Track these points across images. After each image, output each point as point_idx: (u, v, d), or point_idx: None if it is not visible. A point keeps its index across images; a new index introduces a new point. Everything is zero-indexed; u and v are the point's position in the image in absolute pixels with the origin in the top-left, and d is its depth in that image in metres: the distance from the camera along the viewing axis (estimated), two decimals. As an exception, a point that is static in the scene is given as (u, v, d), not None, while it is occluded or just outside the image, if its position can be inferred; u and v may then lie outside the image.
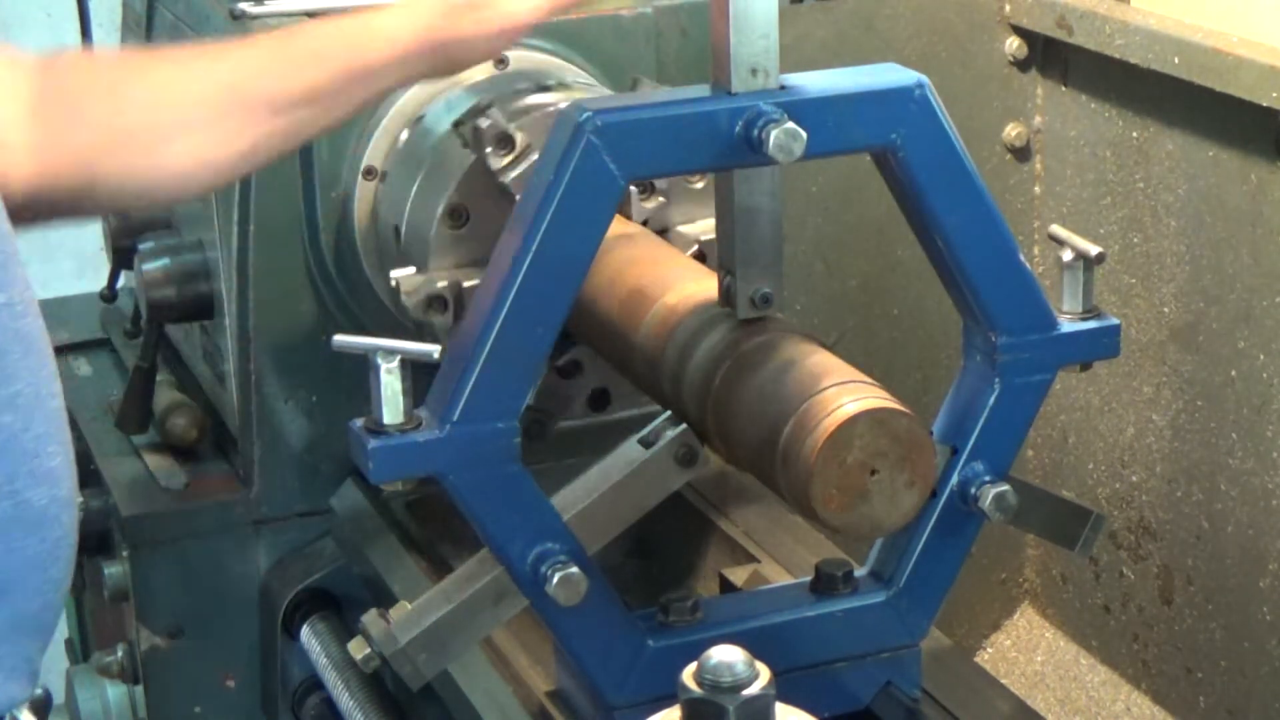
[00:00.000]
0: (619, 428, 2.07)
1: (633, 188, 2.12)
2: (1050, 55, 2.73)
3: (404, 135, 2.26)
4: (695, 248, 2.13)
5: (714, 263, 2.10)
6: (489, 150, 2.07)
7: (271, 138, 1.94)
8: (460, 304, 2.08)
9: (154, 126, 1.90)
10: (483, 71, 2.29)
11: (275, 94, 1.92)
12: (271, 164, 2.03)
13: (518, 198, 2.00)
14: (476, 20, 1.94)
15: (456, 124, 2.16)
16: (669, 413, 1.90)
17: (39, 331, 1.74)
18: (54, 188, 1.87)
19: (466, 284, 2.08)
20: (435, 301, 2.09)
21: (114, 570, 2.44)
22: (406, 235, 2.19)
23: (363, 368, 1.69)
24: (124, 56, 1.94)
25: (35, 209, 1.88)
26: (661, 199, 2.13)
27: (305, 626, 2.38)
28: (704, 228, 2.13)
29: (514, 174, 2.07)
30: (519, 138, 2.07)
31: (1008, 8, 2.72)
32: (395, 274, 2.12)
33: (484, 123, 2.08)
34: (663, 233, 2.14)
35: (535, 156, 2.03)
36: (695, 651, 1.25)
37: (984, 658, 2.93)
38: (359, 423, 1.71)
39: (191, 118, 1.91)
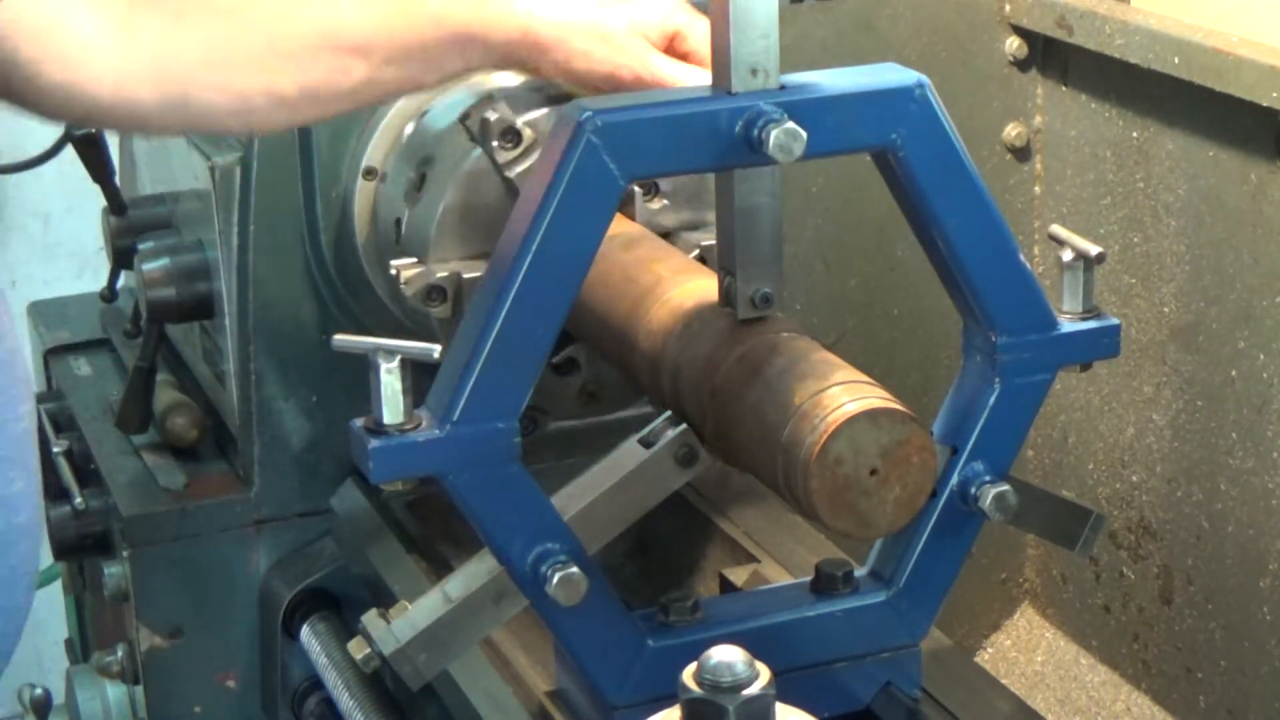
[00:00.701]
0: (619, 428, 2.07)
1: (636, 189, 2.12)
2: (1050, 55, 2.73)
3: (408, 130, 2.26)
4: (696, 251, 2.13)
5: (715, 265, 2.11)
6: (495, 144, 2.07)
7: (375, 85, 1.93)
8: (460, 295, 2.07)
9: (260, 55, 1.89)
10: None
11: (386, 46, 1.91)
12: (374, 104, 2.03)
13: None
14: (593, 50, 1.97)
15: (463, 117, 2.16)
16: (669, 413, 1.90)
17: (7, 354, 1.71)
18: (146, 98, 1.84)
19: (467, 275, 2.08)
20: (435, 292, 2.08)
21: (114, 570, 2.44)
22: (407, 229, 2.19)
23: (363, 368, 1.69)
24: None
25: (125, 118, 1.86)
26: (665, 201, 2.13)
27: (305, 626, 2.38)
28: (706, 235, 2.13)
29: (520, 168, 2.07)
30: (526, 132, 2.07)
31: (1008, 8, 2.72)
32: (395, 263, 2.12)
33: (491, 115, 2.08)
34: (665, 237, 2.14)
35: (540, 152, 2.03)
36: (695, 651, 1.25)
37: (984, 658, 2.93)
38: (359, 423, 1.71)
39: (301, 49, 1.90)
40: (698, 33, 2.02)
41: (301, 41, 1.90)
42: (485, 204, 2.11)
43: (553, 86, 2.12)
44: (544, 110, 2.10)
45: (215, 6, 1.89)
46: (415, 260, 2.11)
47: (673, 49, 2.02)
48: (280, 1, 1.93)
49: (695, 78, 1.97)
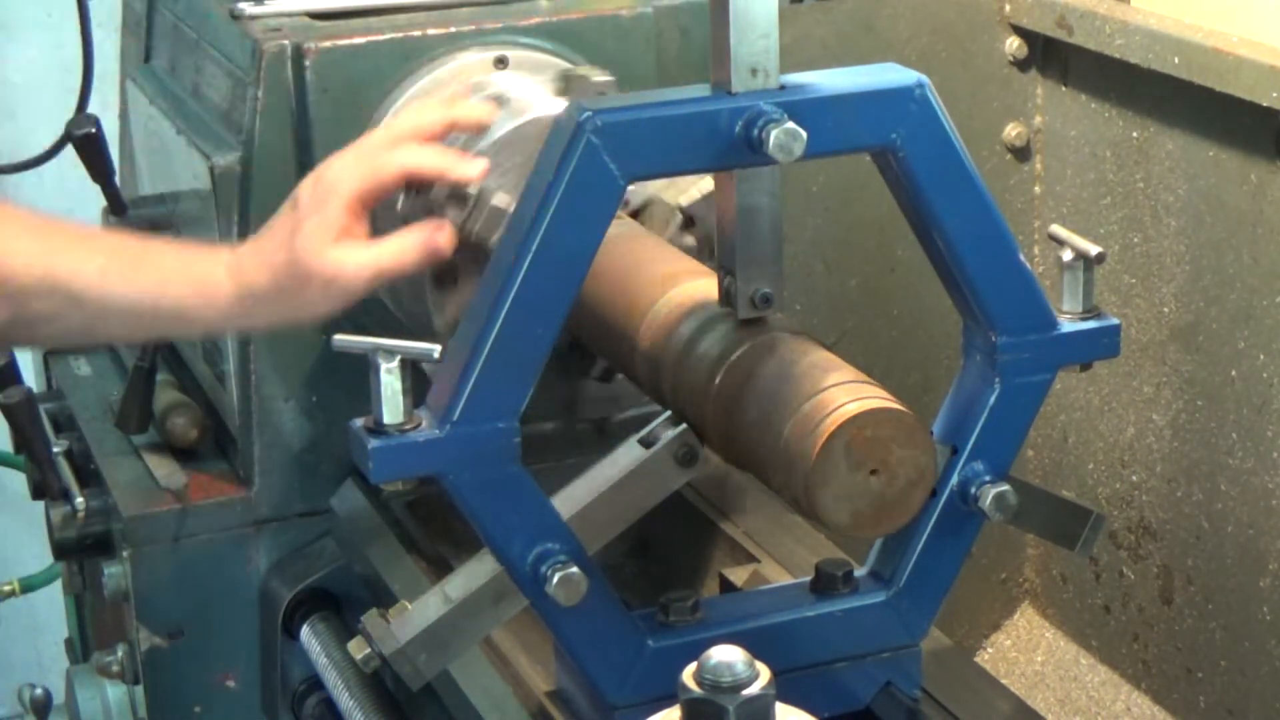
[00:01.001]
0: (619, 428, 2.08)
1: None
2: (1050, 55, 2.73)
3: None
4: (679, 216, 2.12)
5: (702, 227, 2.11)
6: (446, 211, 2.04)
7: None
8: (479, 207, 2.04)
9: None
10: (482, 69, 2.29)
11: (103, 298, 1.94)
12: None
13: (491, 241, 1.99)
14: (312, 303, 1.94)
15: (408, 187, 2.15)
16: (669, 413, 1.90)
17: None
18: None
19: (492, 200, 2.04)
20: (457, 196, 2.07)
21: (114, 570, 2.44)
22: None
23: (363, 368, 1.69)
24: None
25: None
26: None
27: (305, 626, 2.38)
28: (682, 189, 2.12)
29: (476, 226, 2.04)
30: (469, 194, 2.04)
31: (1008, 8, 2.72)
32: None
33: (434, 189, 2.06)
34: (645, 205, 2.13)
35: (491, 203, 2.01)
36: (695, 651, 1.25)
37: (984, 658, 2.93)
38: (359, 423, 1.71)
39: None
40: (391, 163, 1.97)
41: (22, 276, 1.93)
42: (466, 267, 2.10)
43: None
44: (485, 151, 2.08)
45: None
46: None
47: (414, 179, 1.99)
48: (8, 233, 1.95)
49: (411, 245, 1.93)
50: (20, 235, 1.96)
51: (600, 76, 2.18)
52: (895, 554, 1.86)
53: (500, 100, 2.16)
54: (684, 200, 2.12)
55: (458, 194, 2.02)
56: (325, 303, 1.93)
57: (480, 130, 2.05)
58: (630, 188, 2.11)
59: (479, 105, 2.06)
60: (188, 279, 1.95)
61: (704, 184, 2.10)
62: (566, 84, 2.17)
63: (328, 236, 1.90)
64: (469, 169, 1.95)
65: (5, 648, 4.29)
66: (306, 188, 1.94)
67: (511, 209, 1.87)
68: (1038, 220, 2.78)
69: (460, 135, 2.07)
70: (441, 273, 2.11)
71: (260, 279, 1.93)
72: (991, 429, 1.82)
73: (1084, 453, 2.78)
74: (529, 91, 2.19)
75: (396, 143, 1.96)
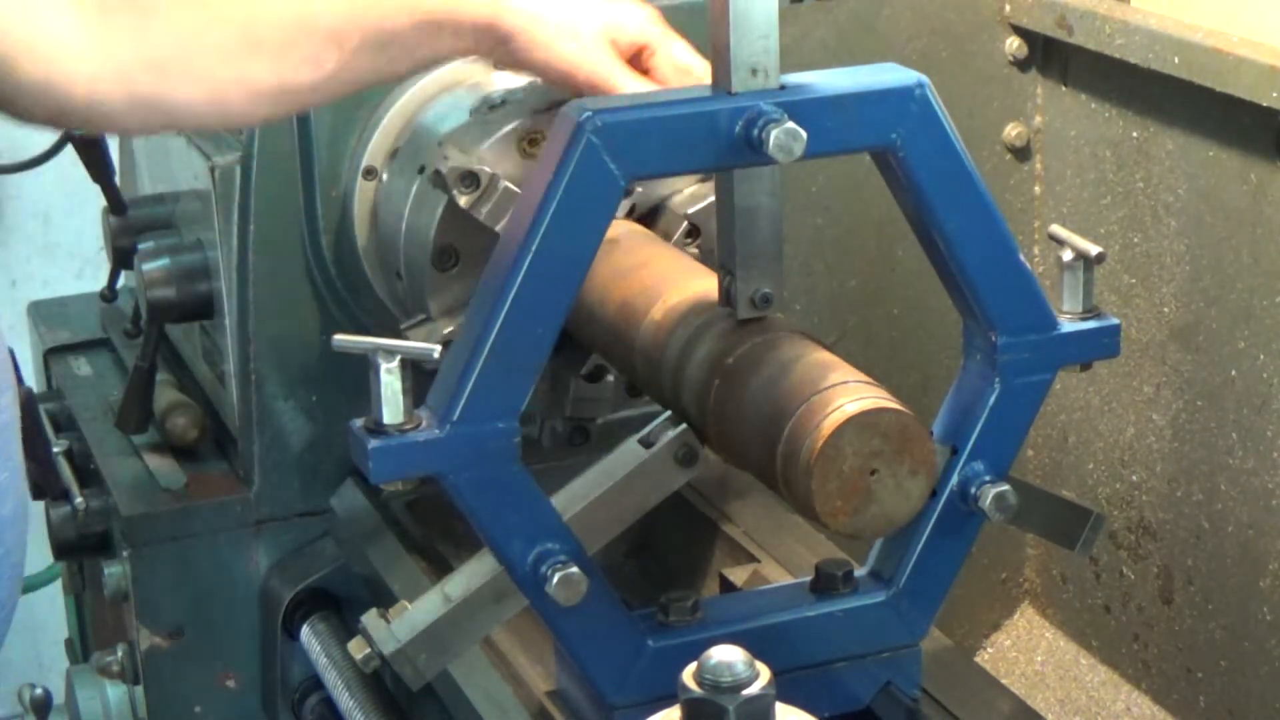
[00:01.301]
0: (619, 428, 2.07)
1: None
2: (1050, 55, 2.73)
3: (408, 131, 2.26)
4: (685, 224, 2.12)
5: (708, 236, 2.11)
6: (455, 191, 2.05)
7: (344, 74, 1.92)
8: (490, 190, 2.05)
9: (233, 47, 1.87)
10: (483, 69, 2.29)
11: (359, 33, 1.90)
12: (347, 96, 2.02)
13: (496, 229, 2.00)
14: (560, 45, 1.96)
15: (420, 169, 2.16)
16: (669, 413, 1.90)
17: None
18: (118, 96, 1.83)
19: (503, 184, 2.05)
20: (469, 177, 2.06)
21: (114, 570, 2.44)
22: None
23: (363, 368, 1.69)
24: None
25: (97, 117, 1.85)
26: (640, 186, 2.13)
27: (305, 626, 2.38)
28: (691, 197, 2.12)
29: (485, 209, 2.05)
30: (482, 172, 2.05)
31: (1008, 8, 2.72)
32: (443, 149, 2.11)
33: (444, 165, 2.06)
34: (655, 210, 2.13)
35: (503, 185, 2.03)
36: (695, 651, 1.25)
37: (984, 658, 2.93)
38: (359, 423, 1.71)
39: (273, 39, 1.88)
40: (666, 51, 2.01)
41: (273, 31, 1.89)
42: (468, 248, 2.10)
43: (501, 116, 2.11)
44: (496, 137, 2.09)
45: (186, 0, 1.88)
46: (460, 151, 2.10)
47: (638, 62, 2.02)
48: None
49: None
50: None
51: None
52: (895, 554, 1.86)
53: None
54: (690, 209, 2.12)
55: (469, 175, 2.03)
56: (563, 68, 1.96)
57: None
58: (638, 189, 2.13)
59: None
60: None
61: (708, 192, 2.10)
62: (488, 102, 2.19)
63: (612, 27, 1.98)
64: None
65: (5, 648, 4.29)
66: None
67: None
68: (1038, 220, 2.78)
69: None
70: (442, 254, 2.11)
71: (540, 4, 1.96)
72: (991, 429, 1.82)
73: (1084, 453, 2.78)
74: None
75: None
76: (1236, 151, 2.41)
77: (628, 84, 1.97)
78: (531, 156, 2.08)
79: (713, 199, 2.07)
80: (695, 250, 2.13)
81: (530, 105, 2.12)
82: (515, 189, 2.03)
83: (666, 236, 2.11)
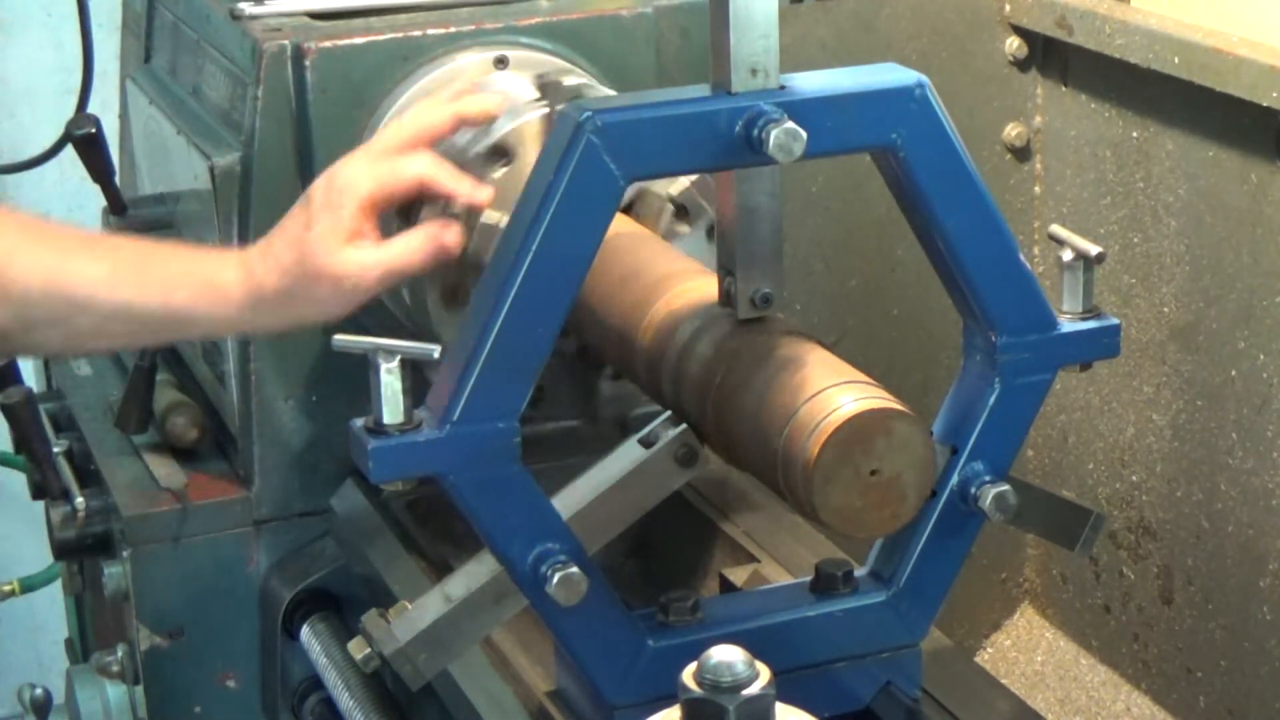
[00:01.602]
0: (638, 422, 2.07)
1: None
2: (1050, 55, 2.73)
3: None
4: (670, 206, 2.12)
5: (693, 215, 2.11)
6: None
7: (101, 338, 2.02)
8: (468, 225, 2.03)
9: None
10: (482, 70, 2.29)
11: (111, 304, 1.95)
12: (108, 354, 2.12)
13: (486, 258, 1.99)
14: (321, 304, 1.95)
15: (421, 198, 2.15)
16: (669, 413, 1.90)
17: None
18: None
19: (480, 218, 2.05)
20: (498, 151, 2.06)
21: (114, 570, 2.44)
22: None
23: (363, 368, 1.69)
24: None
25: None
26: None
27: (305, 626, 2.38)
28: (671, 179, 2.12)
29: (469, 247, 2.04)
30: (459, 214, 2.03)
31: (1008, 8, 2.72)
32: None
33: (422, 212, 2.06)
34: (636, 198, 2.13)
35: (480, 220, 2.03)
36: (695, 651, 1.25)
37: (984, 658, 2.93)
38: (359, 423, 1.71)
39: (24, 290, 1.94)
40: (404, 172, 1.97)
41: (31, 281, 1.94)
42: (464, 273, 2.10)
43: (465, 144, 2.11)
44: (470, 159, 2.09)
45: None
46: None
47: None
48: (13, 240, 1.96)
49: (418, 244, 1.94)
50: (24, 241, 1.96)
51: (572, 80, 2.18)
52: (895, 554, 1.86)
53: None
54: (674, 190, 2.12)
55: (448, 213, 2.02)
56: (335, 303, 1.94)
57: (487, 122, 2.05)
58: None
59: (485, 98, 2.06)
60: (196, 282, 1.96)
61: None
62: (544, 91, 2.18)
63: (339, 237, 1.91)
64: (480, 193, 1.96)
65: (5, 648, 4.29)
66: (319, 188, 1.95)
67: (502, 224, 1.87)
68: (1038, 220, 2.78)
69: (467, 131, 2.07)
70: (448, 292, 2.11)
71: (270, 279, 1.93)
72: (991, 429, 1.82)
73: (1084, 453, 2.78)
74: (525, 92, 2.19)
75: (409, 145, 1.96)
76: (1236, 151, 2.41)
77: (407, 258, 1.94)
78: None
79: (693, 178, 2.07)
80: (686, 229, 2.12)
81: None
82: (493, 223, 2.01)
83: (654, 221, 2.11)
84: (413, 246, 1.93)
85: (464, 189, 1.96)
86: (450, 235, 1.94)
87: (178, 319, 1.97)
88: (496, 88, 2.22)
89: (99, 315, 1.95)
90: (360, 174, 1.94)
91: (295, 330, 2.08)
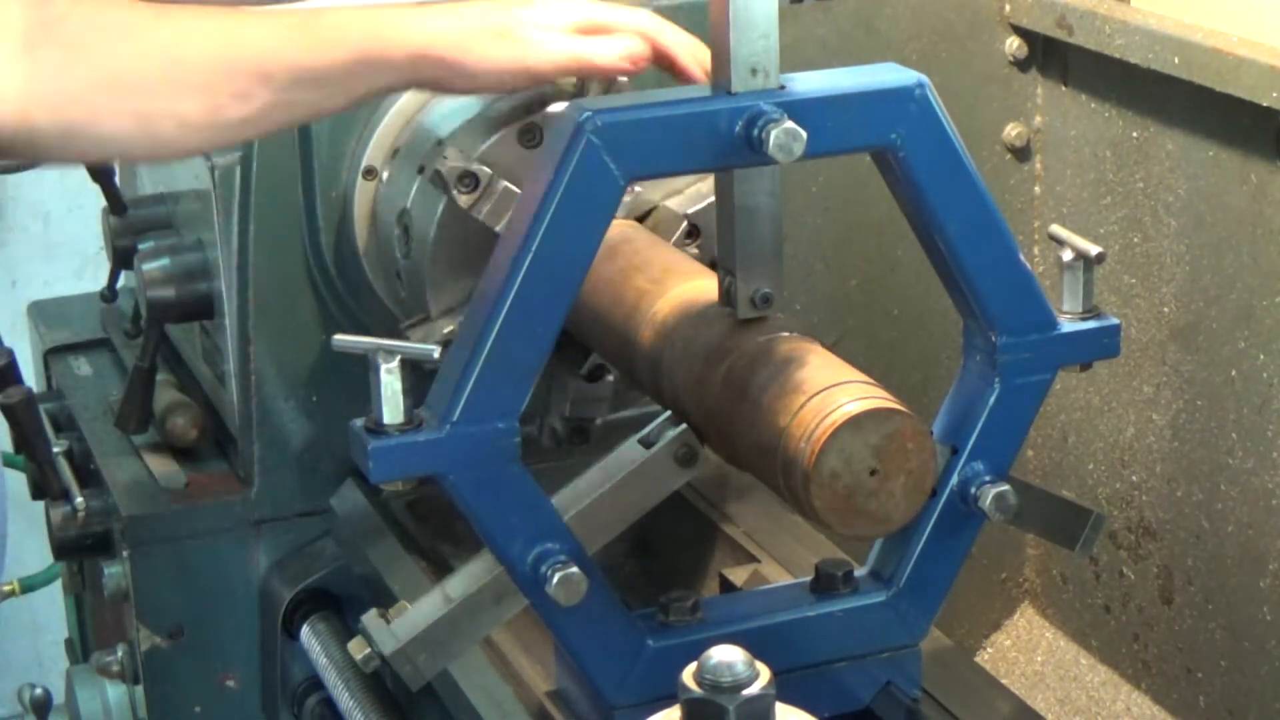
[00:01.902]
0: (619, 428, 2.07)
1: None
2: (1050, 55, 2.73)
3: (407, 131, 2.27)
4: (685, 224, 2.12)
5: (706, 237, 2.11)
6: (455, 191, 2.06)
7: (277, 109, 1.91)
8: (489, 189, 2.06)
9: (162, 79, 1.86)
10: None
11: (287, 69, 1.90)
12: (276, 134, 2.01)
13: (496, 229, 2.00)
14: (495, 51, 1.94)
15: (420, 169, 2.16)
16: (669, 413, 1.90)
17: None
18: (50, 127, 1.82)
19: (503, 183, 2.07)
20: (468, 177, 2.07)
21: (114, 570, 2.44)
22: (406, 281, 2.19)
23: (363, 368, 1.69)
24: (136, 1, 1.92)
25: (31, 146, 1.86)
26: (638, 185, 2.13)
27: (305, 626, 2.38)
28: (689, 198, 2.12)
29: (486, 208, 2.06)
30: (482, 171, 2.05)
31: (1008, 8, 2.72)
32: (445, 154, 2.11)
33: (444, 165, 2.07)
34: (649, 211, 2.13)
35: (503, 185, 2.04)
36: (695, 651, 1.25)
37: (984, 658, 2.93)
38: (359, 423, 1.71)
39: (201, 77, 1.88)
40: (617, 21, 2.00)
41: (200, 67, 1.89)
42: (468, 241, 2.11)
43: (498, 111, 2.11)
44: (496, 137, 2.09)
45: (112, 31, 1.86)
46: (460, 151, 2.11)
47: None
48: (178, 24, 1.90)
49: (616, 47, 1.96)
50: (196, 21, 1.91)
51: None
52: (895, 554, 1.86)
53: None
54: (690, 209, 2.12)
55: (468, 175, 2.03)
56: (509, 65, 1.94)
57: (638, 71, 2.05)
58: (636, 188, 2.13)
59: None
60: (368, 30, 1.93)
61: (708, 192, 2.10)
62: (584, 84, 2.18)
63: (545, 13, 1.95)
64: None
65: (5, 648, 4.29)
66: None
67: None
68: (1038, 220, 2.78)
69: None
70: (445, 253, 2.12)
71: (475, 19, 1.94)
72: (991, 429, 1.82)
73: (1084, 453, 2.78)
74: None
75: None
76: (1236, 151, 2.41)
77: (587, 50, 1.96)
78: (530, 149, 2.09)
79: (712, 199, 2.07)
80: (695, 250, 2.13)
81: (525, 102, 2.12)
82: (515, 189, 2.03)
83: (665, 237, 2.12)
84: (605, 47, 1.95)
85: (689, 53, 1.99)
86: (640, 48, 1.96)
87: (352, 73, 1.93)
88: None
89: (277, 85, 1.90)
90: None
91: (466, 89, 2.06)
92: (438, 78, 1.97)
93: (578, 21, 1.99)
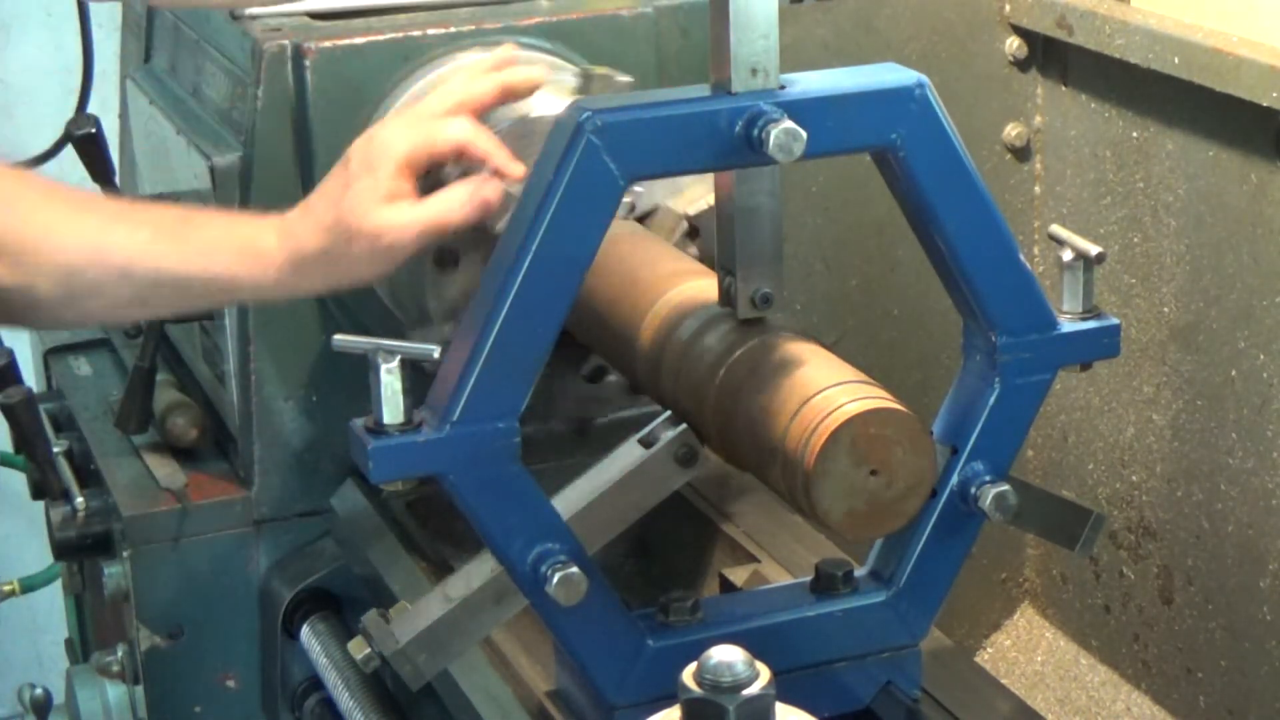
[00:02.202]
0: (619, 428, 2.08)
1: None
2: (1050, 55, 2.73)
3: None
4: (685, 225, 2.12)
5: (707, 238, 2.11)
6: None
7: (133, 306, 2.02)
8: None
9: (35, 248, 1.94)
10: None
11: (153, 273, 1.96)
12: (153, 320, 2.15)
13: (496, 227, 2.00)
14: (358, 247, 1.95)
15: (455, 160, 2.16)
16: (669, 413, 1.90)
17: None
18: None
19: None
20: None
21: (114, 570, 2.44)
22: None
23: (363, 368, 1.69)
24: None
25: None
26: (640, 187, 2.13)
27: (305, 626, 2.38)
28: (690, 199, 2.12)
29: None
30: (510, 189, 2.05)
31: (1008, 8, 2.72)
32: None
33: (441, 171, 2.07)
34: (650, 212, 2.13)
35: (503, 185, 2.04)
36: (695, 651, 1.25)
37: (984, 658, 2.93)
38: (359, 423, 1.71)
39: (70, 259, 1.94)
40: (444, 138, 1.98)
41: (72, 251, 1.94)
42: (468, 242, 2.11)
43: (499, 112, 2.11)
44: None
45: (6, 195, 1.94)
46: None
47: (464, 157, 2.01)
48: (56, 212, 1.96)
49: (466, 199, 1.96)
50: (67, 212, 1.96)
51: (622, 78, 2.18)
52: (895, 554, 1.86)
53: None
54: (690, 210, 2.12)
55: (467, 174, 2.04)
56: (375, 262, 1.95)
57: (531, 93, 2.05)
58: (638, 190, 2.13)
59: (528, 69, 2.06)
60: (235, 246, 1.96)
61: (710, 194, 2.10)
62: (587, 82, 2.17)
63: (377, 196, 1.93)
64: (516, 166, 1.97)
65: (5, 648, 4.29)
66: (358, 149, 1.97)
67: (517, 194, 1.87)
68: (1038, 220, 2.78)
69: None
70: (443, 255, 2.12)
71: (309, 240, 1.94)
72: (991, 429, 1.82)
73: (1084, 453, 2.78)
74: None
75: (452, 112, 1.97)
76: (1236, 151, 2.41)
77: (449, 209, 1.96)
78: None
79: (712, 200, 2.07)
80: (695, 251, 2.13)
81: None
82: (513, 191, 2.03)
83: (666, 237, 2.12)
84: (452, 202, 1.95)
85: (501, 156, 1.97)
86: (490, 190, 1.95)
87: (218, 284, 1.97)
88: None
89: (140, 284, 1.95)
90: (399, 135, 1.96)
91: (340, 289, 2.08)
92: (308, 290, 2.03)
93: (413, 166, 1.96)
